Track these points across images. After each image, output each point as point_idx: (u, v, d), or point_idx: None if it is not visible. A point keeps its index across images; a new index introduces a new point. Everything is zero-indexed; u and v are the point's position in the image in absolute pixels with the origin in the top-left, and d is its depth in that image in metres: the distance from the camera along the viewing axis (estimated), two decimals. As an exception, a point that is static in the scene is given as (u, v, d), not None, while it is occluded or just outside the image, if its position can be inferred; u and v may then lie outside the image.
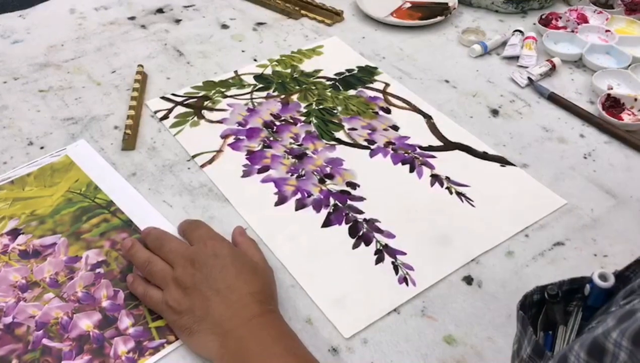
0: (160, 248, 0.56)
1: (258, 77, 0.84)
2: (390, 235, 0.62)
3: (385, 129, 0.75)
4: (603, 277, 0.40)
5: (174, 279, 0.53)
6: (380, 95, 0.81)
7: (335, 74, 0.84)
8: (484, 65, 0.88)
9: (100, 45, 0.90)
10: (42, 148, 0.72)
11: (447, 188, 0.68)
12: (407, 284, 0.58)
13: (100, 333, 0.53)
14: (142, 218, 0.63)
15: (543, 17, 0.95)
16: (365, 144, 0.73)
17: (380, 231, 0.63)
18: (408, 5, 0.99)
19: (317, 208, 0.65)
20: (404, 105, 0.79)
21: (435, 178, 0.69)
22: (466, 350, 0.53)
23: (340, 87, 0.82)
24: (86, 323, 0.54)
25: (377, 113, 0.78)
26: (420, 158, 0.71)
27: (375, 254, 0.60)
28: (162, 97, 0.80)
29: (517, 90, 0.83)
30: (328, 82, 0.83)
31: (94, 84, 0.83)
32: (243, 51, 0.89)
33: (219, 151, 0.72)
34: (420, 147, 0.73)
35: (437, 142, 0.74)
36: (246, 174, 0.69)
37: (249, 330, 0.49)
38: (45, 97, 0.80)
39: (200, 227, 0.58)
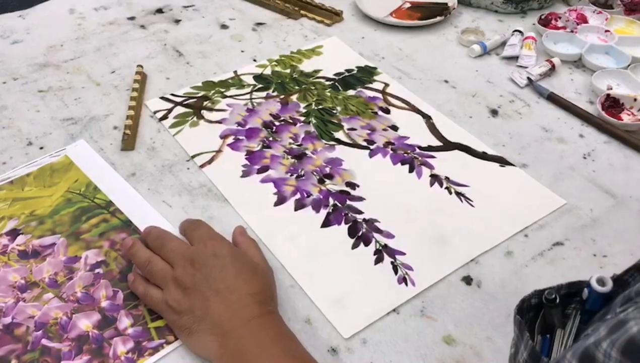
0: (160, 247, 0.56)
1: (257, 77, 0.84)
2: (390, 235, 0.62)
3: (384, 129, 0.75)
4: (601, 281, 0.40)
5: (174, 279, 0.53)
6: (379, 95, 0.81)
7: (335, 74, 0.84)
8: (483, 66, 0.88)
9: (100, 46, 0.90)
10: (41, 148, 0.72)
11: (447, 188, 0.68)
12: (406, 284, 0.58)
13: (99, 333, 0.53)
14: (142, 218, 0.63)
15: (542, 17, 0.95)
16: (364, 144, 0.73)
17: (379, 231, 0.63)
18: (407, 5, 0.99)
19: (317, 209, 0.65)
20: (404, 105, 0.79)
21: (435, 178, 0.69)
22: (465, 350, 0.53)
23: (340, 87, 0.82)
24: (85, 323, 0.54)
25: (376, 113, 0.78)
26: (420, 158, 0.71)
27: (374, 254, 0.60)
28: (162, 97, 0.80)
29: (517, 90, 0.83)
30: (327, 82, 0.83)
31: (94, 84, 0.83)
32: (242, 51, 0.89)
33: (219, 151, 0.72)
34: (420, 147, 0.73)
35: (436, 142, 0.74)
36: (245, 174, 0.69)
37: (248, 331, 0.49)
38: (45, 97, 0.80)
39: (201, 226, 0.58)
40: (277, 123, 0.76)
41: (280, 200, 0.66)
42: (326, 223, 0.63)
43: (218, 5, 1.00)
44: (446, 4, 0.98)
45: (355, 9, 0.99)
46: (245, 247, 0.57)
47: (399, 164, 0.70)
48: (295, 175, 0.69)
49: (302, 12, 0.98)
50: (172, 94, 0.81)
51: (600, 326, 0.31)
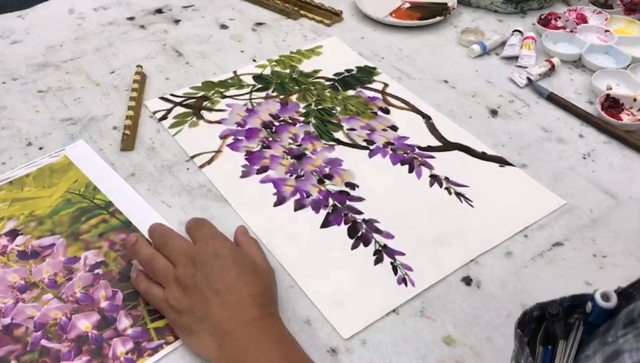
0: (163, 245, 0.56)
1: (257, 78, 0.84)
2: (389, 236, 0.62)
3: (384, 129, 0.75)
4: (606, 296, 0.39)
5: (175, 278, 0.52)
6: (379, 95, 0.81)
7: (334, 74, 0.84)
8: (483, 66, 0.88)
9: (99, 46, 0.90)
10: (41, 148, 0.72)
11: (446, 188, 0.68)
12: (406, 285, 0.58)
13: (98, 334, 0.53)
14: (141, 219, 0.63)
15: (542, 17, 0.95)
16: (364, 144, 0.73)
17: (379, 231, 0.63)
18: (407, 5, 0.99)
19: (316, 209, 0.65)
20: (403, 105, 0.79)
21: (434, 178, 0.69)
22: (465, 350, 0.53)
23: (339, 88, 0.82)
24: (85, 324, 0.54)
25: (376, 113, 0.78)
26: (419, 158, 0.71)
27: (374, 255, 0.60)
28: (161, 98, 0.80)
29: (516, 90, 0.83)
30: (327, 83, 0.83)
31: (93, 84, 0.83)
32: (242, 51, 0.89)
33: (218, 151, 0.72)
34: (419, 148, 0.73)
35: (436, 142, 0.74)
36: (245, 174, 0.69)
37: (247, 334, 0.49)
38: (44, 97, 0.80)
39: (204, 225, 0.58)
40: (276, 123, 0.76)
41: (280, 200, 0.66)
42: (326, 224, 0.63)
43: (217, 5, 1.00)
44: (446, 4, 0.98)
45: (355, 9, 0.99)
46: (247, 247, 0.57)
47: (399, 164, 0.70)
48: (294, 176, 0.69)
49: (302, 12, 0.98)
50: (172, 94, 0.81)
51: (598, 351, 0.31)
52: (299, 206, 0.65)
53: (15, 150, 0.72)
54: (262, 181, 0.68)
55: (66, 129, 0.75)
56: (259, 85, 0.82)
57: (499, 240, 0.62)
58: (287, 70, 0.85)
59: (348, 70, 0.85)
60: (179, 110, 0.78)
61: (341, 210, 0.65)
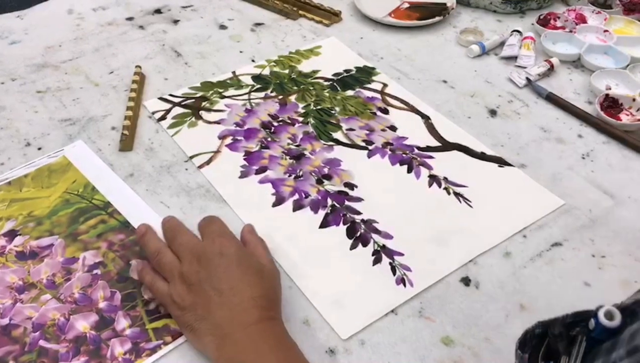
0: (172, 240, 0.56)
1: (256, 78, 0.84)
2: (388, 236, 0.62)
3: (383, 130, 0.75)
4: (609, 314, 0.39)
5: (180, 274, 0.52)
6: (378, 95, 0.81)
7: (333, 75, 0.84)
8: (482, 66, 0.87)
9: (98, 46, 0.90)
10: (39, 149, 0.72)
11: (445, 188, 0.67)
12: (404, 285, 0.58)
13: (97, 334, 0.53)
14: (140, 219, 0.63)
15: (541, 17, 0.95)
16: (363, 144, 0.73)
17: (378, 232, 0.62)
18: (406, 5, 0.99)
19: (315, 209, 0.65)
20: (402, 105, 0.79)
21: (433, 178, 0.69)
22: (463, 350, 0.53)
23: (338, 88, 0.82)
24: (83, 324, 0.54)
25: (375, 113, 0.78)
26: (418, 158, 0.71)
27: (372, 255, 0.60)
28: (160, 98, 0.80)
29: (515, 90, 0.83)
30: (326, 83, 0.83)
31: (92, 84, 0.83)
32: (241, 52, 0.89)
33: (217, 152, 0.72)
34: (418, 148, 0.73)
35: (435, 143, 0.74)
36: (244, 174, 0.69)
37: (246, 337, 0.48)
38: (43, 98, 0.80)
39: (213, 223, 0.58)
40: (275, 123, 0.76)
41: (279, 200, 0.66)
42: (324, 224, 0.63)
43: (216, 5, 1.00)
44: (445, 4, 0.98)
45: (354, 9, 0.98)
46: (253, 246, 0.57)
47: (398, 165, 0.70)
48: (293, 176, 0.69)
49: (301, 12, 0.98)
50: (171, 95, 0.81)
51: None
52: (297, 206, 0.65)
53: (13, 151, 0.72)
54: (261, 181, 0.68)
55: (65, 130, 0.75)
56: (258, 86, 0.82)
57: (497, 240, 0.62)
58: (286, 71, 0.85)
59: (347, 71, 0.85)
60: (178, 110, 0.78)
61: (340, 210, 0.65)
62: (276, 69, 0.85)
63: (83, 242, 0.61)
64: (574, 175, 0.70)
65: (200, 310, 0.50)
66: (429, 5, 0.98)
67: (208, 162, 0.70)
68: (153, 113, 0.77)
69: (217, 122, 0.76)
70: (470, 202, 0.66)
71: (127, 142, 0.72)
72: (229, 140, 0.73)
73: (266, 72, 0.85)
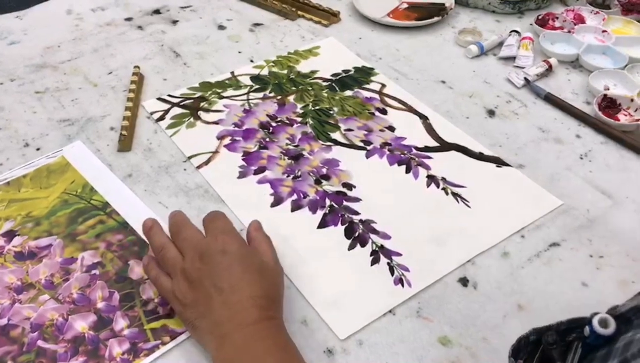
0: (176, 235, 0.56)
1: (254, 78, 0.84)
2: (386, 236, 0.62)
3: (381, 130, 0.75)
4: (604, 322, 0.39)
5: (182, 270, 0.52)
6: (376, 95, 0.81)
7: (332, 75, 0.84)
8: (480, 66, 0.88)
9: (97, 47, 0.90)
10: (38, 149, 0.72)
11: (443, 189, 0.68)
12: (402, 285, 0.58)
13: (95, 334, 0.53)
14: (138, 219, 0.63)
15: (540, 17, 0.95)
16: (361, 144, 0.73)
17: (376, 232, 0.63)
18: (405, 5, 0.99)
19: (313, 210, 0.65)
20: (400, 105, 0.79)
21: (431, 179, 0.69)
22: (461, 351, 0.53)
23: (337, 88, 0.82)
24: (81, 324, 0.54)
25: (373, 114, 0.78)
26: (417, 159, 0.71)
27: (371, 255, 0.60)
28: (159, 98, 0.80)
29: (514, 90, 0.83)
30: (324, 83, 0.83)
31: (91, 85, 0.83)
32: (239, 52, 0.89)
33: (215, 152, 0.72)
34: (417, 148, 0.73)
35: (433, 143, 0.74)
36: (242, 175, 0.69)
37: (244, 338, 0.48)
38: (42, 98, 0.80)
39: (217, 219, 0.57)
40: (274, 124, 0.76)
41: (277, 201, 0.66)
42: (322, 224, 0.63)
43: (215, 6, 1.00)
44: (443, 4, 0.98)
45: (353, 10, 0.99)
46: (257, 243, 0.56)
47: (396, 165, 0.70)
48: (292, 176, 0.69)
49: (300, 12, 0.98)
50: (169, 95, 0.81)
51: None
52: (296, 207, 0.65)
53: (12, 151, 0.72)
54: (259, 182, 0.68)
55: (63, 130, 0.75)
56: (257, 86, 0.82)
57: (495, 240, 0.62)
58: (285, 71, 0.85)
59: (345, 71, 0.85)
60: (177, 110, 0.78)
61: (338, 210, 0.65)
62: (275, 70, 0.85)
63: (81, 243, 0.61)
64: (572, 175, 0.70)
65: (201, 307, 0.50)
66: (427, 5, 0.98)
67: (206, 163, 0.71)
68: (152, 113, 0.77)
69: (216, 123, 0.76)
70: (468, 202, 0.66)
71: (125, 143, 0.72)
72: (227, 141, 0.73)
73: (265, 72, 0.85)
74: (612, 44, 0.88)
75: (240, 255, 0.53)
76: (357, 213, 0.65)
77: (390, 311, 0.56)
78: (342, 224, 0.63)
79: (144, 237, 0.59)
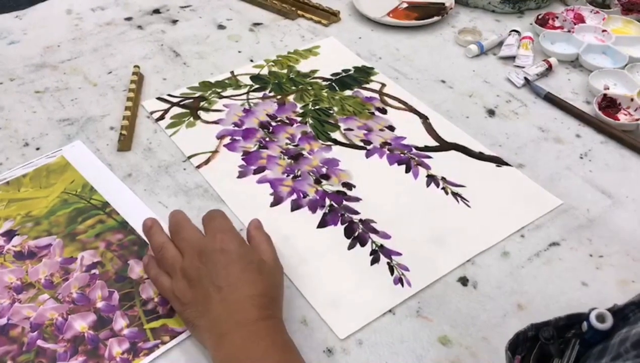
0: (176, 234, 0.56)
1: (254, 78, 0.84)
2: (386, 236, 0.62)
3: (381, 130, 0.75)
4: (601, 317, 0.39)
5: (182, 269, 0.52)
6: (376, 95, 0.81)
7: (332, 75, 0.84)
8: (480, 66, 0.88)
9: (97, 46, 0.90)
10: (37, 149, 0.72)
11: (443, 188, 0.68)
12: (402, 285, 0.58)
13: (95, 334, 0.53)
14: (138, 219, 0.63)
15: (540, 17, 0.95)
16: (361, 144, 0.73)
17: (375, 232, 0.63)
18: (404, 5, 0.99)
19: (313, 209, 0.65)
20: (400, 105, 0.79)
21: (431, 178, 0.69)
22: (461, 350, 0.53)
23: (337, 88, 0.82)
24: (81, 324, 0.54)
25: (373, 113, 0.78)
26: (416, 158, 0.71)
27: (370, 255, 0.60)
28: (158, 98, 0.80)
29: (514, 90, 0.83)
30: (324, 83, 0.83)
31: (90, 84, 0.83)
32: (239, 52, 0.89)
33: (215, 152, 0.72)
34: (416, 148, 0.73)
35: (433, 143, 0.74)
36: (242, 174, 0.69)
37: (242, 338, 0.48)
38: (41, 98, 0.80)
39: (216, 218, 0.57)
40: (273, 123, 0.76)
41: (277, 200, 0.66)
42: (322, 224, 0.63)
43: (215, 5, 1.00)
44: (443, 4, 0.98)
45: (353, 9, 0.99)
46: (257, 242, 0.56)
47: (396, 165, 0.70)
48: (291, 176, 0.69)
49: (299, 12, 0.98)
50: (169, 95, 0.81)
51: None
52: (295, 206, 0.65)
53: (12, 151, 0.72)
54: (259, 181, 0.68)
55: (63, 130, 0.75)
56: (256, 86, 0.82)
57: (495, 240, 0.62)
58: (285, 71, 0.85)
59: (345, 71, 0.85)
60: (176, 110, 0.78)
61: (338, 210, 0.65)
62: (275, 69, 0.85)
63: (81, 242, 0.61)
64: (572, 175, 0.70)
65: (200, 306, 0.50)
66: (427, 5, 0.98)
67: (206, 162, 0.70)
68: (151, 113, 0.77)
69: (216, 122, 0.76)
70: (468, 201, 0.66)
71: (125, 142, 0.72)
72: (227, 140, 0.73)
73: (264, 72, 0.85)
74: (612, 44, 0.88)
75: (239, 254, 0.53)
76: (356, 212, 0.65)
77: (390, 311, 0.56)
78: (341, 224, 0.63)
79: (143, 236, 0.59)
